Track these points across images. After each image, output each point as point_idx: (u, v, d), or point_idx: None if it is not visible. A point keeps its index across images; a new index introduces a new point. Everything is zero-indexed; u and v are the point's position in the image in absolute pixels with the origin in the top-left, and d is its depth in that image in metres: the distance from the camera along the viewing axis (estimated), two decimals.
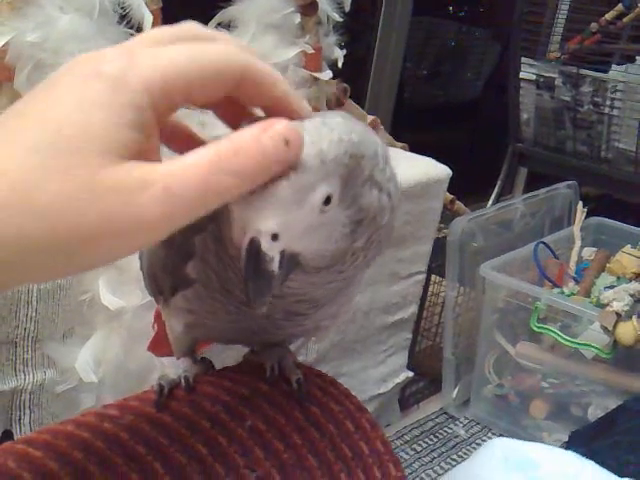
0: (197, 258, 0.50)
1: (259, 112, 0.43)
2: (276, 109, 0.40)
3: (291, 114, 0.40)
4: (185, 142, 0.43)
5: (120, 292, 1.10)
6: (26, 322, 1.08)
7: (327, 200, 0.41)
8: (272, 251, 0.40)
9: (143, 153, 0.35)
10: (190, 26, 0.39)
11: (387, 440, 0.56)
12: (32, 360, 1.12)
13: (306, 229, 0.41)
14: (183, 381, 0.54)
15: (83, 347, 1.13)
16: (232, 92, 0.38)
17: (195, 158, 0.35)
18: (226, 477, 0.47)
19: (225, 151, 0.36)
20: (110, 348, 1.13)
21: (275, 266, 0.40)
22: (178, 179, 0.34)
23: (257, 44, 1.27)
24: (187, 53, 0.36)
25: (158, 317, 0.63)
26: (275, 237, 0.40)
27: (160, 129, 0.37)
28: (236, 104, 0.41)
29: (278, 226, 0.39)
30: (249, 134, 0.36)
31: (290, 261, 0.42)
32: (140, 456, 0.47)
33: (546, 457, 0.60)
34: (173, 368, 0.56)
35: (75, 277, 1.10)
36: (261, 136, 0.36)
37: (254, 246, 0.40)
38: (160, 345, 0.61)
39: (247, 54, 0.38)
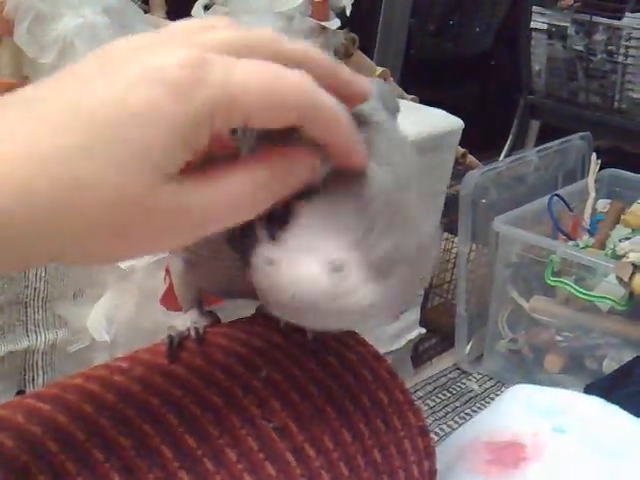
0: None
1: None
2: (334, 155, 0.36)
3: (348, 164, 0.36)
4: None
5: None
6: (36, 282, 1.07)
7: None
8: None
9: (186, 169, 0.33)
10: (268, 35, 0.35)
11: (406, 389, 0.54)
12: (43, 320, 1.11)
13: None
14: (193, 332, 0.52)
15: (95, 306, 1.12)
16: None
17: (234, 185, 0.34)
18: (242, 428, 0.46)
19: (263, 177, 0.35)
20: (122, 307, 1.13)
21: None
22: (216, 207, 0.34)
23: None
24: (261, 76, 0.33)
25: (169, 270, 0.61)
26: None
27: None
28: None
29: None
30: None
31: None
32: (153, 408, 0.45)
33: (570, 403, 0.59)
34: (181, 320, 0.54)
35: None
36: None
37: None
38: (171, 298, 0.60)
39: (318, 88, 0.34)
